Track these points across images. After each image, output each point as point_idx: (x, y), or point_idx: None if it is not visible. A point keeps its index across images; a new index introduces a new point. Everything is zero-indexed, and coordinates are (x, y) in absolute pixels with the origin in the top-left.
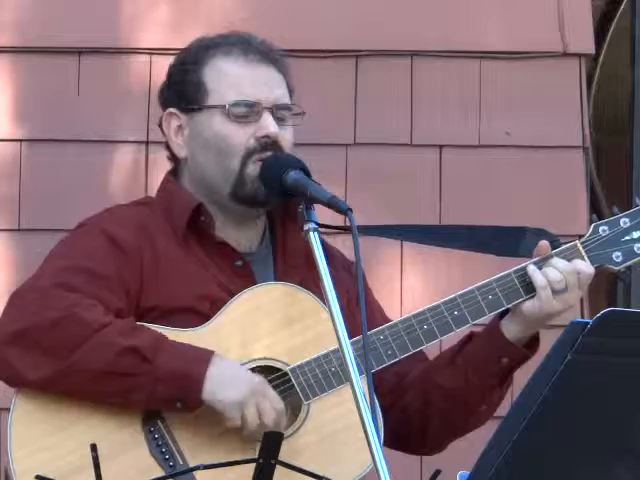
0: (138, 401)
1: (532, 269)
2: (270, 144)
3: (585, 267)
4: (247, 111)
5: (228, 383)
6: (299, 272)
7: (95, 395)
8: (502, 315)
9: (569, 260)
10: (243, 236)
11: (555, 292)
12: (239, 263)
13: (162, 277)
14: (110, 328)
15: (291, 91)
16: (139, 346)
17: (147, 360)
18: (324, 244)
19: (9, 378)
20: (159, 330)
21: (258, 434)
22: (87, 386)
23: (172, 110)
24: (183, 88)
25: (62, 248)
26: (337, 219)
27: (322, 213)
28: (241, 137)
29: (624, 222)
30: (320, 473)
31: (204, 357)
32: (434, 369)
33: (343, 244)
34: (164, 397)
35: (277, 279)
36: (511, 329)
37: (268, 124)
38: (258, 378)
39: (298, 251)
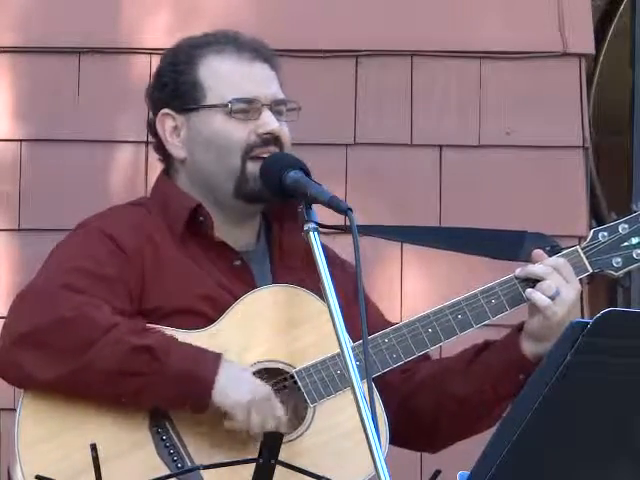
0: (148, 401)
1: (529, 292)
2: (272, 140)
3: (553, 260)
4: (247, 107)
5: (236, 387)
6: (297, 272)
7: (106, 394)
8: (521, 326)
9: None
10: (241, 235)
11: (552, 298)
12: (237, 262)
13: (163, 278)
14: (120, 327)
15: (282, 87)
16: (151, 345)
17: (158, 359)
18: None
19: (20, 379)
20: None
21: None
22: (99, 385)
23: (167, 111)
24: (177, 88)
25: (64, 249)
26: (337, 219)
27: (321, 213)
28: (241, 134)
29: (623, 228)
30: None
31: (214, 359)
32: (448, 374)
33: (343, 245)
34: (174, 398)
35: (274, 278)
36: (531, 345)
37: (270, 120)
38: (264, 386)
39: (296, 251)
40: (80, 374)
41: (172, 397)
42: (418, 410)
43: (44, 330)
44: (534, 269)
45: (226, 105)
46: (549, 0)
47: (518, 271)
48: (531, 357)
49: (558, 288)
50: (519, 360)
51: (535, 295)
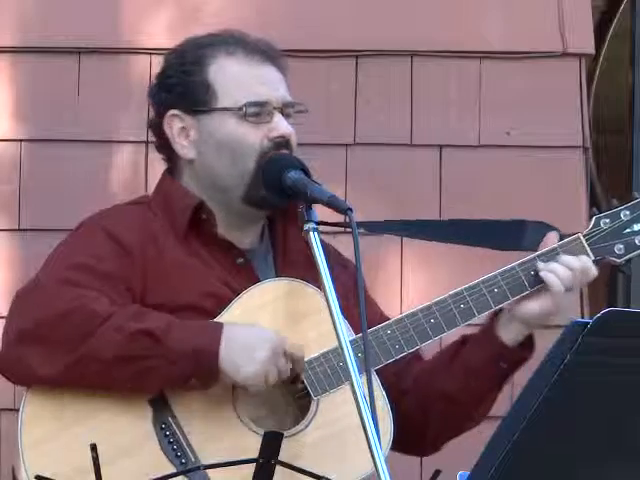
0: (154, 383)
1: (544, 273)
2: (283, 143)
3: (593, 267)
4: (259, 111)
5: (244, 352)
6: (299, 272)
7: (110, 381)
8: (495, 315)
9: (573, 254)
10: (245, 235)
11: (567, 290)
12: (241, 260)
13: (166, 275)
14: (118, 315)
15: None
16: (150, 328)
17: (159, 341)
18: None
19: (24, 376)
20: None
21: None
22: (101, 374)
23: (175, 112)
24: (186, 89)
25: (64, 248)
26: (337, 219)
27: (321, 213)
28: (255, 138)
29: (625, 214)
30: (326, 471)
31: (215, 330)
32: (432, 373)
33: (343, 243)
34: (180, 376)
35: (277, 276)
36: (512, 331)
37: (282, 124)
38: (271, 334)
39: (298, 252)
40: (83, 364)
41: (178, 375)
42: (406, 413)
43: (45, 325)
44: (570, 260)
45: (240, 109)
46: (549, 0)
47: (539, 252)
48: (511, 343)
49: (573, 284)
50: (497, 346)
51: (554, 280)
